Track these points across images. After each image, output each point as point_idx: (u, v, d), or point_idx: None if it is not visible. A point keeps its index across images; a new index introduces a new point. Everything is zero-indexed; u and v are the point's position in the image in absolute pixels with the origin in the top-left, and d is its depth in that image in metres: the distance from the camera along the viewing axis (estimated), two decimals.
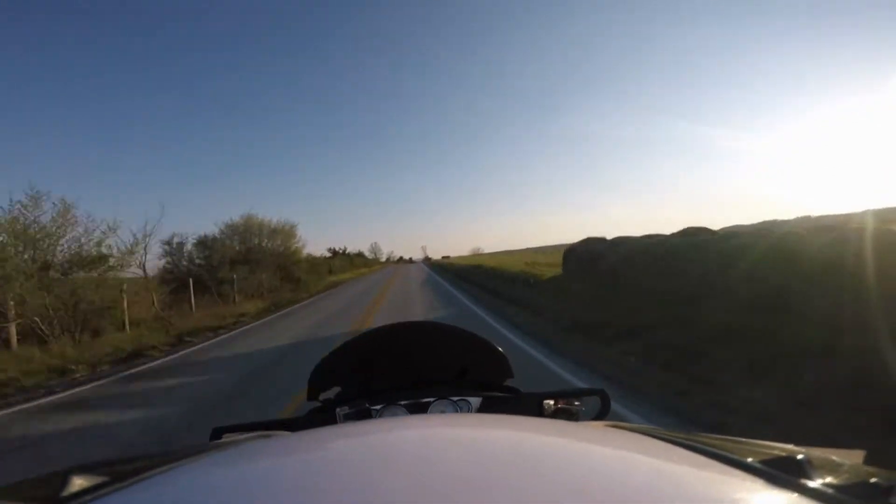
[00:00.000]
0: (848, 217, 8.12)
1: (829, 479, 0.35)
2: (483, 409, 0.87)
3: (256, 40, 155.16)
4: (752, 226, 12.78)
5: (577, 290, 9.36)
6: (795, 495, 0.33)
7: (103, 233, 9.48)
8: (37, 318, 7.73)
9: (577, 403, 0.88)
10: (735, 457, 0.40)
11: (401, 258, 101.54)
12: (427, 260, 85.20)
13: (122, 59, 78.96)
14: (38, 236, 8.34)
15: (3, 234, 7.85)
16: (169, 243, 15.47)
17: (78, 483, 0.38)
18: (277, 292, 16.79)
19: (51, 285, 8.16)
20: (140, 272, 10.66)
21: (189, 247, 16.41)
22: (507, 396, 0.93)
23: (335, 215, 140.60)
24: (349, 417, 0.81)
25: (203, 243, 17.16)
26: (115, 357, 7.06)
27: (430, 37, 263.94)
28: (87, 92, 62.81)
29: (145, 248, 10.67)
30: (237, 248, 18.51)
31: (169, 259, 15.68)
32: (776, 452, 0.42)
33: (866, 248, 4.04)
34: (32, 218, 8.34)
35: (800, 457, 0.37)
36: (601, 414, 0.91)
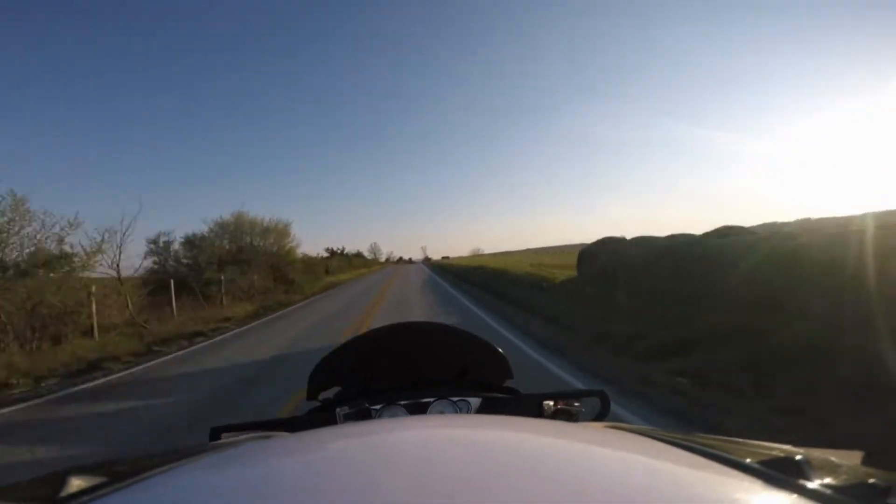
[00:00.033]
0: (848, 220, 7.53)
1: (827, 480, 0.35)
2: (483, 409, 0.87)
3: (256, 40, 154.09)
4: (787, 224, 11.81)
5: (596, 294, 8.47)
6: (794, 496, 0.33)
7: (63, 229, 8.53)
8: None
9: (576, 404, 0.87)
10: (734, 458, 0.40)
11: (400, 259, 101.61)
12: (427, 260, 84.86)
13: (122, 58, 77.68)
14: None
15: None
16: (155, 242, 14.77)
17: (77, 483, 0.37)
18: (270, 294, 16.12)
19: (2, 286, 7.22)
20: (113, 272, 9.73)
21: (176, 246, 15.71)
22: (506, 397, 0.93)
23: (335, 215, 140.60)
24: (349, 417, 0.80)
25: (191, 242, 16.40)
26: (69, 369, 6.15)
27: (430, 37, 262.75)
28: (87, 92, 61.74)
29: (119, 247, 9.75)
30: (227, 247, 17.68)
31: (156, 259, 15.00)
32: (775, 453, 0.42)
33: None
34: None
35: (798, 457, 0.37)
36: (601, 415, 0.90)
